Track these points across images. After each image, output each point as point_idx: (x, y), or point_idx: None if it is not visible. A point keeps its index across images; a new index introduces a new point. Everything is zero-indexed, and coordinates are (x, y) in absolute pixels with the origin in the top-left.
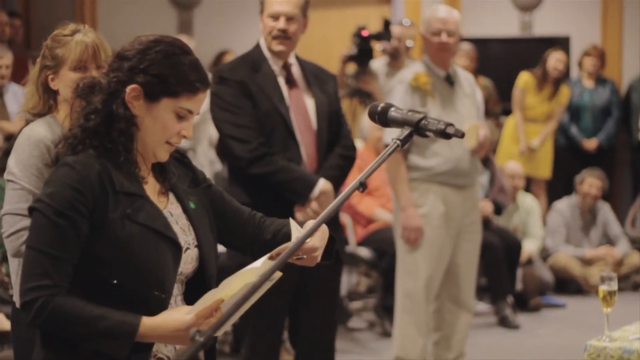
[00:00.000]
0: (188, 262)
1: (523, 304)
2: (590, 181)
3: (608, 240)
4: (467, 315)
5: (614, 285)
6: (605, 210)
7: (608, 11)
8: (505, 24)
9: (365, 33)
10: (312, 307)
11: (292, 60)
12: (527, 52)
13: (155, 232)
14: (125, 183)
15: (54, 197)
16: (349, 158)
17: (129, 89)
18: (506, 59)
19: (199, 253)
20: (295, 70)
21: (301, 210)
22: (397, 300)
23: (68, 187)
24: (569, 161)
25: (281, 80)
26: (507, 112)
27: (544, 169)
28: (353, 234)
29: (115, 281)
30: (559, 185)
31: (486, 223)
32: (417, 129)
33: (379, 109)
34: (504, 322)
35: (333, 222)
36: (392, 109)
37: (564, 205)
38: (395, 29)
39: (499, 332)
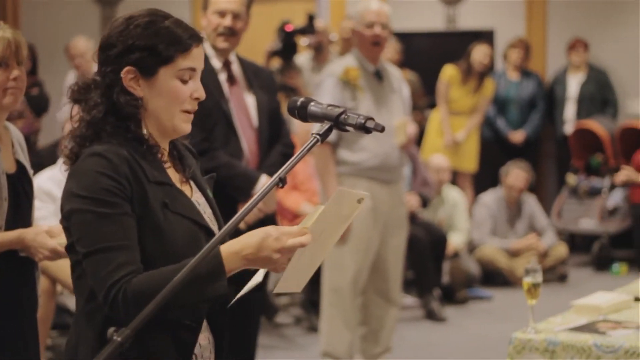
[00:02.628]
0: None
1: (450, 296)
2: (516, 173)
3: (534, 232)
4: (394, 309)
5: (539, 278)
6: (531, 203)
7: (532, 4)
8: (430, 18)
9: (289, 28)
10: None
11: (232, 58)
12: (452, 45)
13: (191, 222)
14: (155, 172)
15: (90, 189)
16: (289, 155)
17: (123, 73)
18: (431, 52)
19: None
20: (236, 68)
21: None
22: (324, 295)
23: (102, 175)
24: (494, 154)
25: (222, 78)
26: (433, 105)
27: (470, 162)
28: None
29: None
30: (485, 178)
31: (412, 217)
32: (337, 123)
33: (299, 103)
34: (431, 315)
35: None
36: (312, 103)
37: (489, 197)
38: (319, 23)
39: (425, 325)
